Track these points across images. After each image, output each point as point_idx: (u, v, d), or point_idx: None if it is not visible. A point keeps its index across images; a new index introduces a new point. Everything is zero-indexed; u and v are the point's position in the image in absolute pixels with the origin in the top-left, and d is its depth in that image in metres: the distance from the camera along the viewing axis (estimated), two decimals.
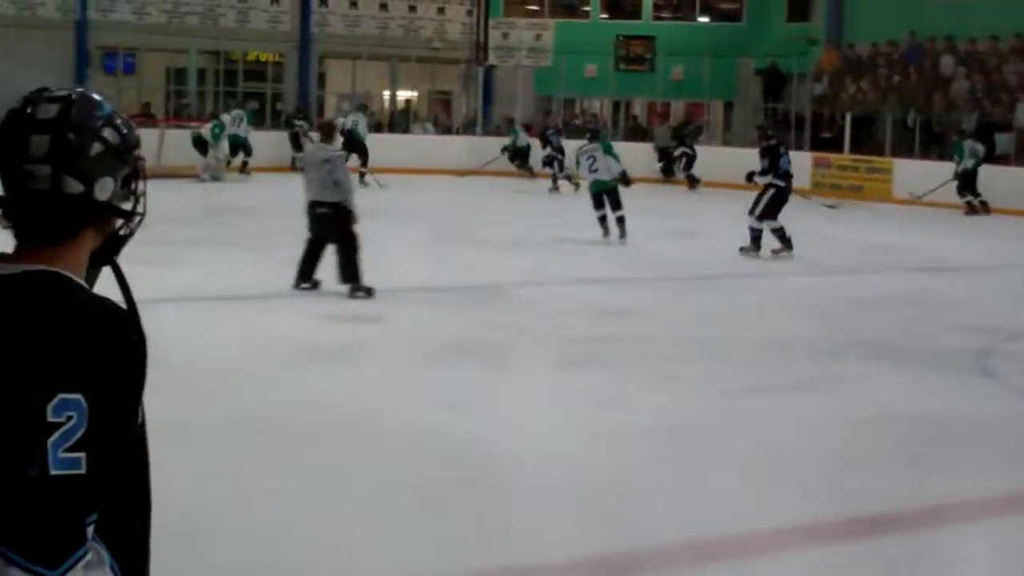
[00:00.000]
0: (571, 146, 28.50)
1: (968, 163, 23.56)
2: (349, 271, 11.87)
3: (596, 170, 17.18)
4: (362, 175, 25.54)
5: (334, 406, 7.88)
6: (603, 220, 17.18)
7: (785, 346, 10.46)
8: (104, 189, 2.21)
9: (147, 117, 27.94)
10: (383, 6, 34.13)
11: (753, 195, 16.64)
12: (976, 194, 23.78)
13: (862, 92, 29.28)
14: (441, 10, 34.86)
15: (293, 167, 27.86)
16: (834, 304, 12.79)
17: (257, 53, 33.73)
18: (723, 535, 5.95)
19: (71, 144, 2.17)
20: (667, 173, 30.33)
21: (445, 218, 20.16)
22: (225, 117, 27.07)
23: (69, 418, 1.97)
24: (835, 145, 28.69)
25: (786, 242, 16.17)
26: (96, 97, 2.26)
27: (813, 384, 9.12)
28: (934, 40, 28.48)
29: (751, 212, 16.24)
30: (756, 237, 16.18)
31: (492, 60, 35.00)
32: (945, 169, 24.03)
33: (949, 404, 8.55)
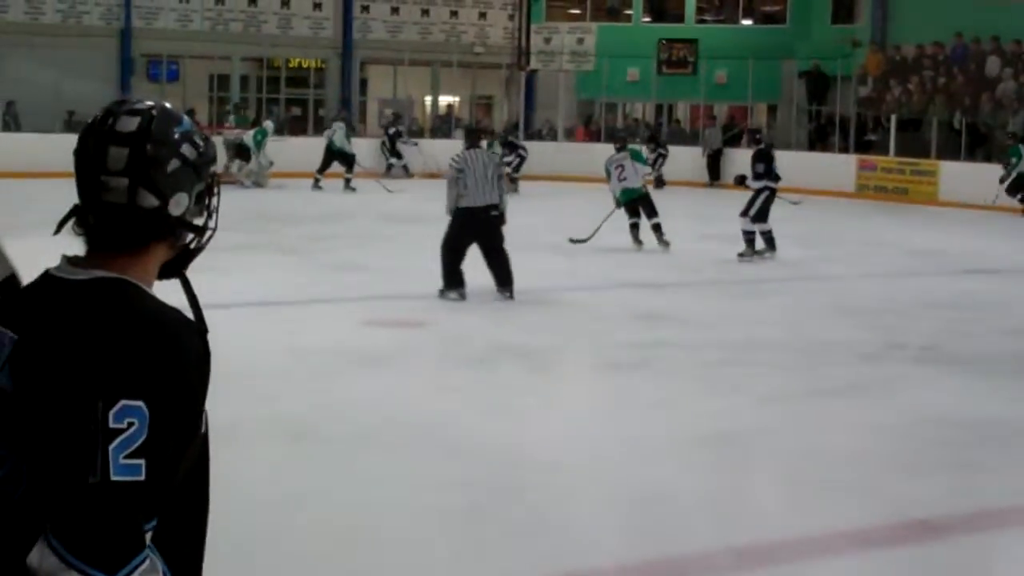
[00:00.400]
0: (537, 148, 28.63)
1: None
2: (507, 273, 12.17)
3: (625, 179, 17.11)
4: (347, 181, 26.28)
5: (378, 411, 7.87)
6: (635, 228, 17.11)
7: (828, 350, 10.37)
8: (179, 204, 2.23)
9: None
10: (425, 11, 34.20)
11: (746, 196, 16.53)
12: None
13: (907, 94, 29.07)
14: (483, 15, 34.89)
15: (388, 173, 28.75)
16: (878, 307, 12.67)
17: (299, 59, 33.83)
18: (768, 541, 5.87)
19: (149, 158, 2.18)
20: (714, 176, 30.21)
21: None
22: (267, 123, 27.14)
23: (130, 424, 1.98)
24: (880, 148, 28.52)
25: (772, 244, 16.14)
26: (176, 112, 2.26)
27: (857, 388, 9.02)
28: (980, 41, 28.25)
29: (744, 214, 16.14)
30: (751, 240, 16.12)
31: (534, 64, 35.01)
32: (992, 171, 23.81)
33: (996, 408, 8.44)
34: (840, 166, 28.35)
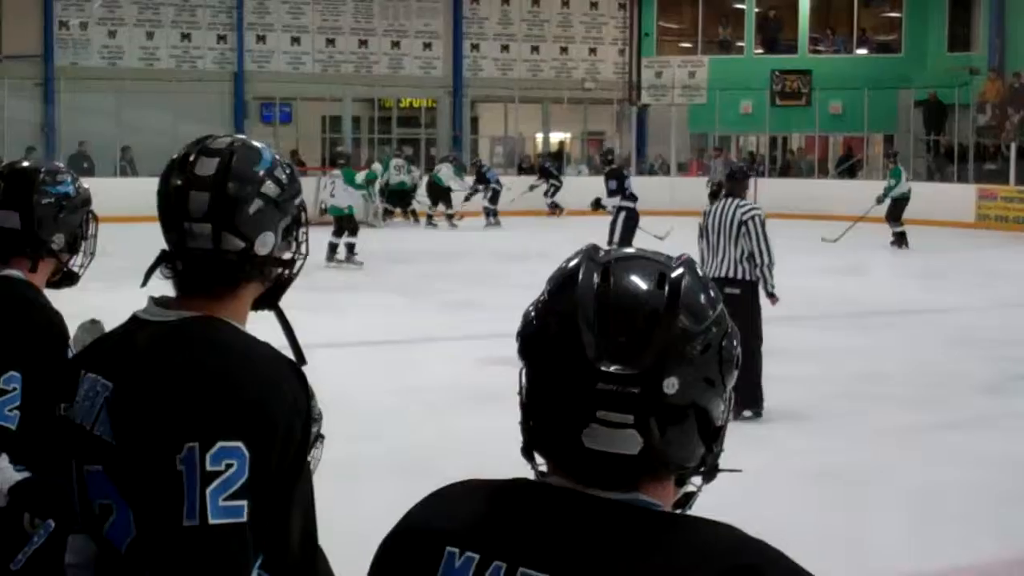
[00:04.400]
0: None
1: None
2: (749, 391, 8.70)
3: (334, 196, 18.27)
4: (450, 217, 26.92)
5: (491, 450, 7.68)
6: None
7: (947, 382, 10.13)
8: (265, 244, 2.20)
9: (297, 165, 28.29)
10: (535, 48, 34.23)
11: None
12: None
13: None
14: (593, 51, 34.83)
15: (552, 211, 29.15)
16: (998, 338, 12.36)
17: (410, 99, 34.03)
18: None
19: (231, 201, 2.15)
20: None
21: None
22: (376, 166, 27.29)
23: (228, 466, 1.95)
24: (1000, 177, 27.91)
25: None
26: (257, 146, 2.26)
27: (977, 421, 8.85)
28: None
29: (610, 243, 15.78)
30: None
31: (645, 99, 34.86)
32: None
33: None
34: (959, 196, 27.77)
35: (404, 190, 27.68)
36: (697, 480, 1.61)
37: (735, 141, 36.12)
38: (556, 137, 36.22)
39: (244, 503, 1.95)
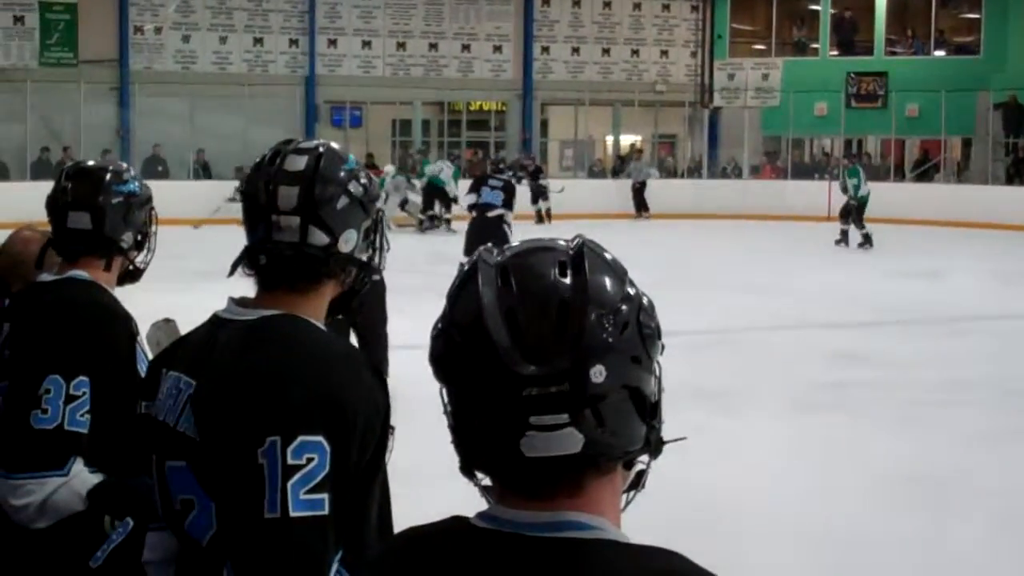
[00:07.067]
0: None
1: None
2: None
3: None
4: (448, 221, 26.24)
5: None
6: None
7: None
8: (348, 241, 2.27)
9: (371, 168, 28.17)
10: (605, 51, 34.03)
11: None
12: None
13: None
14: (664, 53, 34.57)
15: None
16: None
17: (480, 102, 33.97)
18: None
19: (319, 196, 2.23)
20: (640, 208, 30.01)
21: (671, 260, 19.81)
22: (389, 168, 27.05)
23: (310, 460, 1.98)
24: None
25: None
26: (341, 150, 2.34)
27: None
28: None
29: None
30: None
31: (717, 101, 34.56)
32: None
33: None
34: None
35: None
36: (644, 458, 1.56)
37: (809, 144, 35.76)
38: (627, 140, 35.99)
39: (325, 496, 1.98)
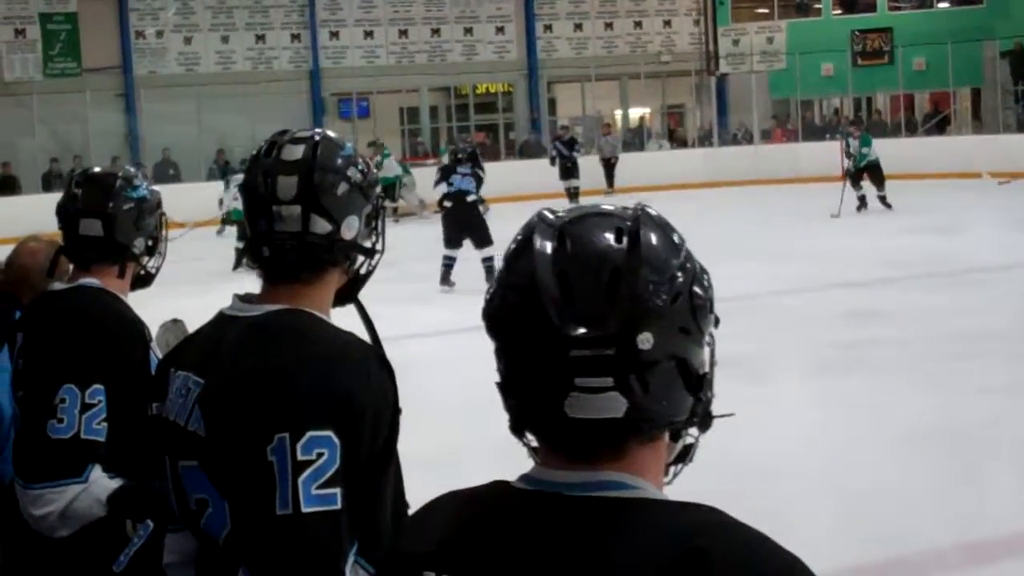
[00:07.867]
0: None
1: None
2: None
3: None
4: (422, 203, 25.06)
5: None
6: None
7: None
8: (350, 228, 2.26)
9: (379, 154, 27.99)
10: (608, 25, 33.96)
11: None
12: None
13: None
14: (667, 23, 34.47)
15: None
16: None
17: (486, 85, 33.92)
18: (998, 535, 5.76)
19: (318, 183, 2.22)
20: (610, 183, 29.03)
21: (685, 231, 19.74)
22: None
23: (320, 455, 1.97)
24: None
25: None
26: (338, 138, 2.33)
27: None
28: None
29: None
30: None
31: (723, 68, 34.45)
32: None
33: None
34: None
35: (388, 184, 24.96)
36: (694, 431, 1.57)
37: (818, 105, 35.62)
38: (636, 113, 35.90)
39: (337, 491, 1.97)
